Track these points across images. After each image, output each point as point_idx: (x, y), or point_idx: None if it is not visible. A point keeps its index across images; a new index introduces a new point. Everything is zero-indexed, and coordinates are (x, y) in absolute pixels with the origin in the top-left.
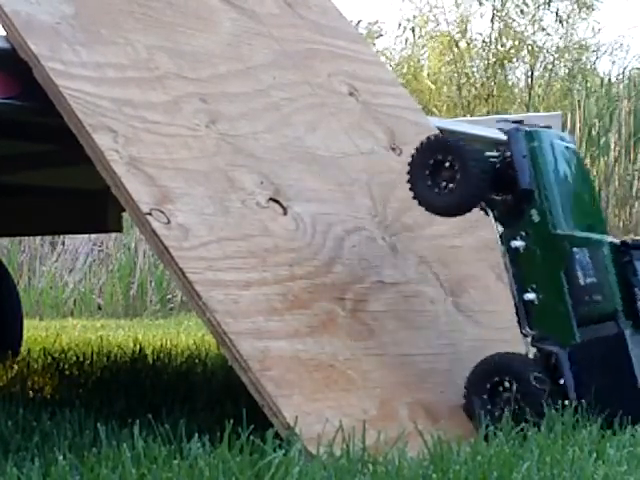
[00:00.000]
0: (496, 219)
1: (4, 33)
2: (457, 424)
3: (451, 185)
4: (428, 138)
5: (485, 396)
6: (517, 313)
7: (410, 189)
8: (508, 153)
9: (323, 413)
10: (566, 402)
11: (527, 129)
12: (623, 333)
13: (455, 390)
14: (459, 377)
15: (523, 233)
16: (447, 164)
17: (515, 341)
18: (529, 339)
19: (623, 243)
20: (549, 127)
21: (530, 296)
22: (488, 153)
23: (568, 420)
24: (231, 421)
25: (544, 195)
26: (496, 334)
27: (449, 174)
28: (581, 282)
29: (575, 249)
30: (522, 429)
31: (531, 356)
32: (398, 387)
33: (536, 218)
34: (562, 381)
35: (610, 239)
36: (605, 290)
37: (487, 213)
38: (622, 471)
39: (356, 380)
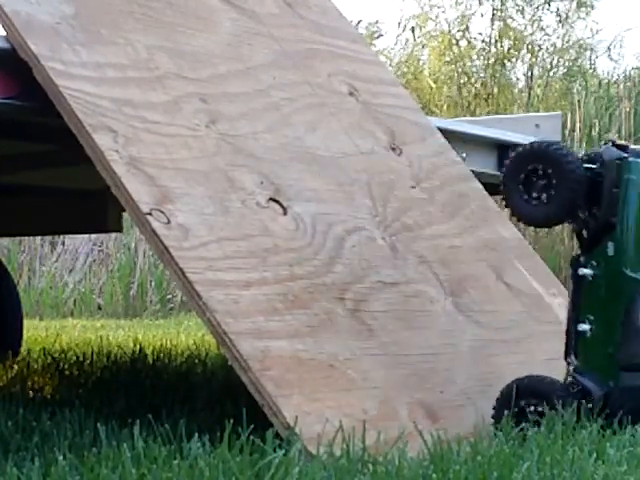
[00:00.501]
0: (576, 235)
1: (4, 33)
2: (457, 424)
3: (546, 196)
4: (524, 146)
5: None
6: (567, 340)
7: (503, 199)
8: (601, 173)
9: (323, 413)
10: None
11: (627, 157)
12: None
13: (455, 390)
14: (459, 377)
15: (594, 263)
16: (542, 173)
17: (514, 341)
18: (571, 367)
19: None
20: None
21: (584, 327)
22: (585, 165)
23: (568, 420)
24: (231, 421)
25: (625, 231)
26: (496, 334)
27: (544, 184)
28: (638, 324)
29: (638, 295)
30: (522, 429)
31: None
32: (398, 387)
33: (611, 252)
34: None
35: None
36: None
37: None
38: (622, 471)
39: (356, 380)
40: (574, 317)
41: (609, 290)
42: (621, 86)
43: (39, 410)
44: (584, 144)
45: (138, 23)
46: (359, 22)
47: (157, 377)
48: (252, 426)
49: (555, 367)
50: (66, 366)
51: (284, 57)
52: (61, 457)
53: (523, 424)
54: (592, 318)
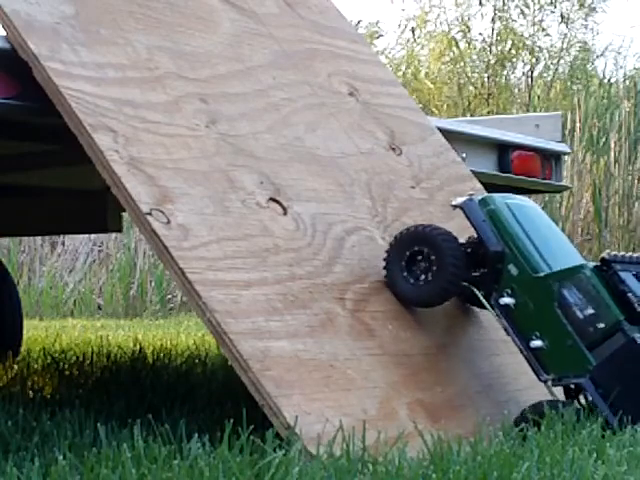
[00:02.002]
0: (483, 295)
1: (4, 33)
2: (457, 424)
3: (428, 276)
4: (407, 229)
5: None
6: (530, 364)
7: (386, 280)
8: (475, 235)
9: (323, 413)
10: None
11: (479, 197)
12: (633, 338)
13: (455, 390)
14: (459, 377)
15: (509, 290)
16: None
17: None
18: (550, 384)
19: (602, 260)
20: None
21: (537, 343)
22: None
23: (568, 420)
24: (231, 421)
25: (514, 247)
26: (496, 334)
27: (425, 265)
28: (580, 316)
29: (561, 287)
30: (522, 429)
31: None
32: (398, 387)
33: (514, 271)
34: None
35: (589, 263)
36: (603, 312)
37: (470, 295)
38: (622, 471)
39: (356, 380)
40: (522, 342)
41: (535, 300)
42: (621, 86)
43: (39, 410)
44: (584, 144)
45: (138, 23)
46: (359, 22)
47: (157, 377)
48: (252, 426)
49: None
50: (66, 366)
51: (284, 57)
52: (61, 457)
53: None
54: (538, 333)
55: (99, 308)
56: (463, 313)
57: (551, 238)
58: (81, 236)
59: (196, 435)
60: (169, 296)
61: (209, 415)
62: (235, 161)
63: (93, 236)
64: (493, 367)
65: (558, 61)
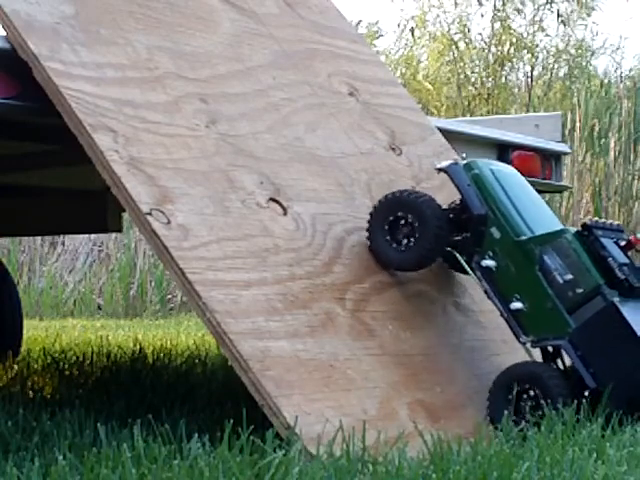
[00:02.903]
0: (465, 260)
1: (4, 33)
2: (457, 424)
3: (411, 241)
4: (386, 196)
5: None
6: (509, 325)
7: (369, 246)
8: (457, 201)
9: (323, 413)
10: (586, 393)
11: (464, 161)
12: (612, 302)
13: (455, 390)
14: (459, 377)
15: (490, 253)
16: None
17: (514, 341)
18: (529, 345)
19: (583, 226)
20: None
21: (517, 305)
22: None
23: (568, 420)
24: (231, 421)
25: (498, 211)
26: (496, 334)
27: (409, 230)
28: (560, 280)
29: (543, 252)
30: (522, 429)
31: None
32: (398, 387)
33: (497, 234)
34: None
35: (571, 228)
36: (583, 276)
37: (451, 259)
38: (622, 471)
39: (356, 380)
40: (503, 304)
41: (516, 263)
42: (621, 86)
43: (39, 410)
44: (584, 144)
45: (138, 23)
46: (359, 22)
47: (157, 377)
48: (252, 426)
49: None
50: (66, 366)
51: (284, 57)
52: (61, 457)
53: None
54: (518, 295)
55: (99, 308)
56: (463, 313)
57: (533, 204)
58: (81, 236)
59: (196, 435)
60: (169, 296)
61: (209, 415)
62: (235, 161)
63: (93, 236)
64: (493, 367)
65: (556, 61)
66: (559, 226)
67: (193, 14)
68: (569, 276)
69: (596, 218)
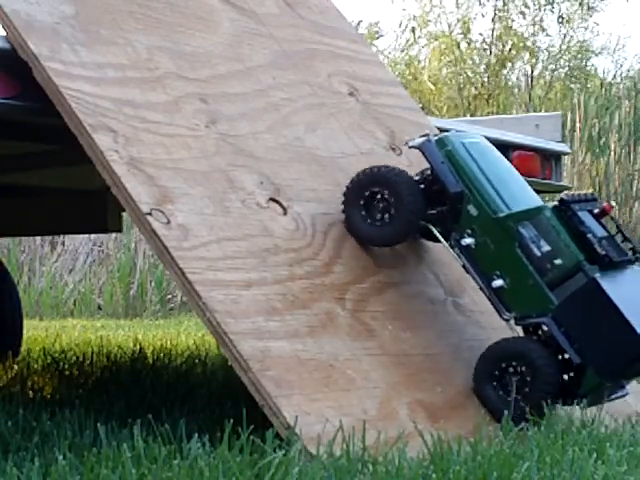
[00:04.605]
0: (440, 233)
1: (4, 33)
2: (457, 424)
3: (387, 216)
4: (364, 171)
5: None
6: (492, 303)
7: (345, 223)
8: (428, 171)
9: (323, 413)
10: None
11: (436, 137)
12: (593, 278)
13: (455, 390)
14: (459, 377)
15: (469, 231)
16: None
17: None
18: (512, 322)
19: (561, 201)
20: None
21: (498, 282)
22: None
23: (568, 420)
24: (231, 421)
25: (473, 188)
26: (495, 334)
27: (384, 205)
28: (537, 253)
29: (520, 226)
30: (522, 429)
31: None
32: (398, 387)
33: (474, 212)
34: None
35: (548, 204)
36: (562, 250)
37: (428, 233)
38: (622, 471)
39: (356, 380)
40: (484, 281)
41: (495, 240)
42: (621, 86)
43: (39, 410)
44: (584, 144)
45: (138, 23)
46: (359, 22)
47: (157, 377)
48: (252, 426)
49: None
50: (66, 366)
51: (284, 57)
52: (61, 457)
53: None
54: (499, 272)
55: (99, 308)
56: (463, 313)
57: (509, 179)
58: (81, 236)
59: (196, 435)
60: (169, 296)
61: (209, 415)
62: (235, 161)
63: (93, 236)
64: None
65: (557, 61)
66: (536, 202)
67: (193, 14)
68: (546, 248)
69: (572, 192)
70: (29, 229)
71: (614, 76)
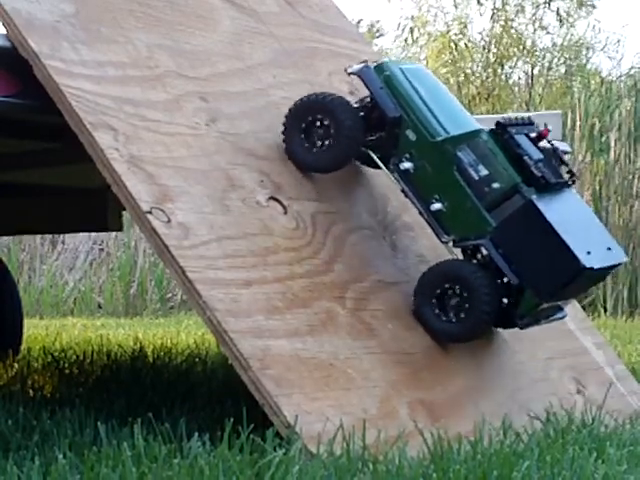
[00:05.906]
0: (379, 158)
1: (4, 31)
2: (457, 423)
3: (327, 143)
4: (301, 99)
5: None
6: (430, 226)
7: (285, 149)
8: (368, 99)
9: (323, 412)
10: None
11: (375, 64)
12: (530, 199)
13: (455, 389)
14: (459, 376)
15: (407, 155)
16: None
17: (514, 340)
18: (450, 244)
19: (498, 124)
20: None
21: (437, 206)
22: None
23: (568, 419)
24: (231, 420)
25: (412, 113)
26: (495, 334)
27: (324, 132)
28: (475, 177)
29: (458, 150)
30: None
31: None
32: (398, 386)
33: (413, 136)
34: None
35: (485, 127)
36: (500, 173)
37: (367, 159)
38: (622, 470)
39: (356, 379)
40: (423, 205)
41: (434, 164)
42: (621, 84)
43: (39, 409)
44: (584, 143)
45: (138, 21)
46: (360, 21)
47: (157, 376)
48: (252, 425)
49: (556, 366)
50: (66, 365)
51: (284, 56)
52: (61, 456)
53: None
54: (437, 196)
55: (99, 307)
56: None
57: (447, 104)
58: (81, 235)
59: (196, 434)
60: (169, 295)
61: (209, 414)
62: (235, 160)
63: (93, 235)
64: (493, 366)
65: (557, 59)
66: (474, 126)
67: (193, 12)
68: (484, 172)
69: (509, 115)
70: (29, 228)
71: (609, 73)
